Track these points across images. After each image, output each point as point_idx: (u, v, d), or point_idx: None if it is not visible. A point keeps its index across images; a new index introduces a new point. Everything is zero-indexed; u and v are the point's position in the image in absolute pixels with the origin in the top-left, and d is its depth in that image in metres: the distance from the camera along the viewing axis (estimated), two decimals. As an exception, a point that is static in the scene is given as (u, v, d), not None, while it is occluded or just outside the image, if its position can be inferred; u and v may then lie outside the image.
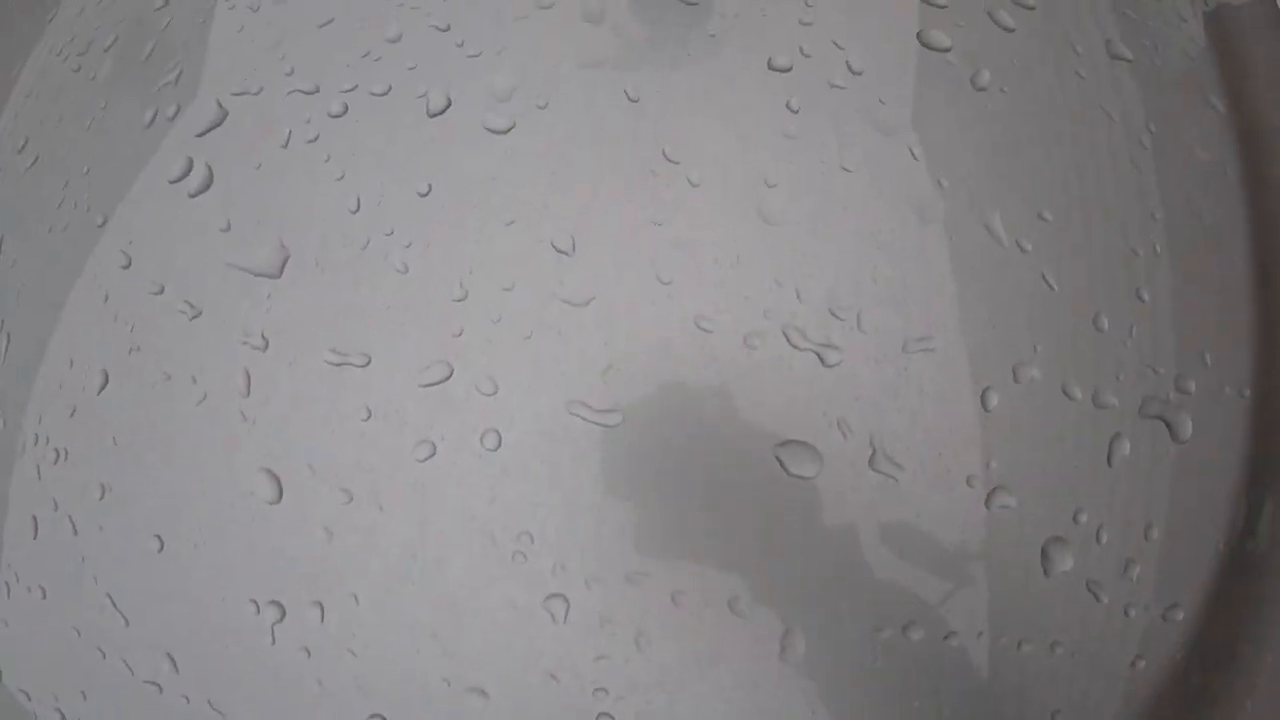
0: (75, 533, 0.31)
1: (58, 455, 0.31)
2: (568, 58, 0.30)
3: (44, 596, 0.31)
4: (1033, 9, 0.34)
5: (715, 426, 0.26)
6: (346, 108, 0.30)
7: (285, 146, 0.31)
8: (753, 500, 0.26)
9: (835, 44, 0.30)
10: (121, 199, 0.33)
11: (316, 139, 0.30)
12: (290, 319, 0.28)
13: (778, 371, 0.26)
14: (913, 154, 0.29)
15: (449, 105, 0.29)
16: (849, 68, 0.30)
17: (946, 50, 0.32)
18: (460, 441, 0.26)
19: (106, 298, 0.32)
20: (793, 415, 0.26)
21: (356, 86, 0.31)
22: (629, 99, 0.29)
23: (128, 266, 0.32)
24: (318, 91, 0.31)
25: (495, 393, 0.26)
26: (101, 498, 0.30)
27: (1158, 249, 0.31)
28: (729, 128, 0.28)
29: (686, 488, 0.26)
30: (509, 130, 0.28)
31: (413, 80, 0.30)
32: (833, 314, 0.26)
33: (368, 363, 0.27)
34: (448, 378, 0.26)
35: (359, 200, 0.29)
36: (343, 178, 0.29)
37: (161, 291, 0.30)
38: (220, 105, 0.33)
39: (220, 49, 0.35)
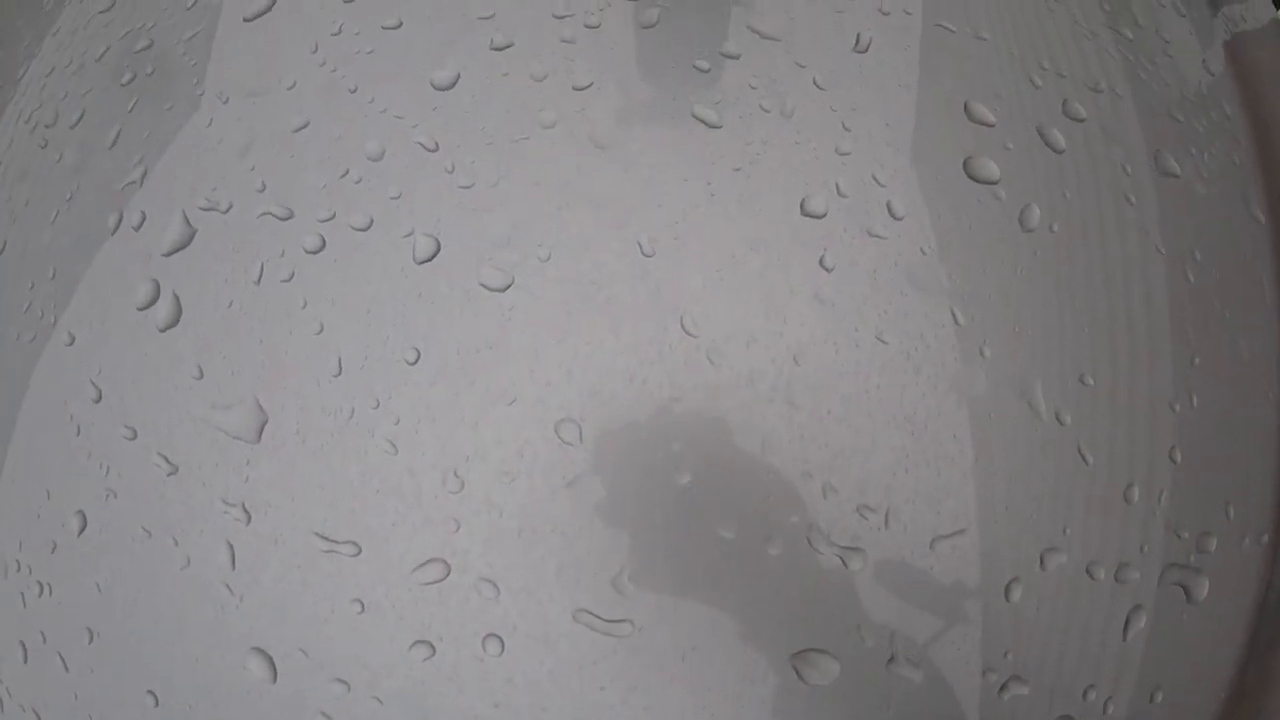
0: (66, 670, 0.26)
1: (41, 589, 0.26)
2: (574, 194, 0.23)
3: None
4: (1083, 120, 0.27)
5: (730, 634, 0.21)
6: (323, 242, 0.24)
7: (258, 283, 0.24)
8: (767, 709, 0.22)
9: (875, 180, 0.24)
10: (88, 319, 0.27)
11: (291, 278, 0.24)
12: (272, 492, 0.23)
13: (798, 576, 0.21)
14: (955, 318, 0.23)
15: (438, 251, 0.22)
16: (889, 211, 0.23)
17: (994, 183, 0.25)
18: (460, 645, 0.21)
19: (79, 430, 0.26)
20: (811, 622, 0.21)
21: (334, 215, 0.24)
22: (643, 252, 0.22)
23: (98, 401, 0.26)
24: (291, 217, 0.24)
25: (497, 597, 0.21)
26: (90, 642, 0.26)
27: (1194, 400, 0.26)
28: (756, 292, 0.22)
29: (701, 698, 0.22)
30: (507, 288, 0.22)
31: (397, 214, 0.23)
32: (860, 513, 0.21)
33: (358, 553, 0.22)
34: (445, 577, 0.21)
35: (340, 362, 0.22)
36: (321, 331, 0.23)
37: (135, 437, 0.25)
38: (187, 221, 0.26)
39: (187, 146, 0.27)
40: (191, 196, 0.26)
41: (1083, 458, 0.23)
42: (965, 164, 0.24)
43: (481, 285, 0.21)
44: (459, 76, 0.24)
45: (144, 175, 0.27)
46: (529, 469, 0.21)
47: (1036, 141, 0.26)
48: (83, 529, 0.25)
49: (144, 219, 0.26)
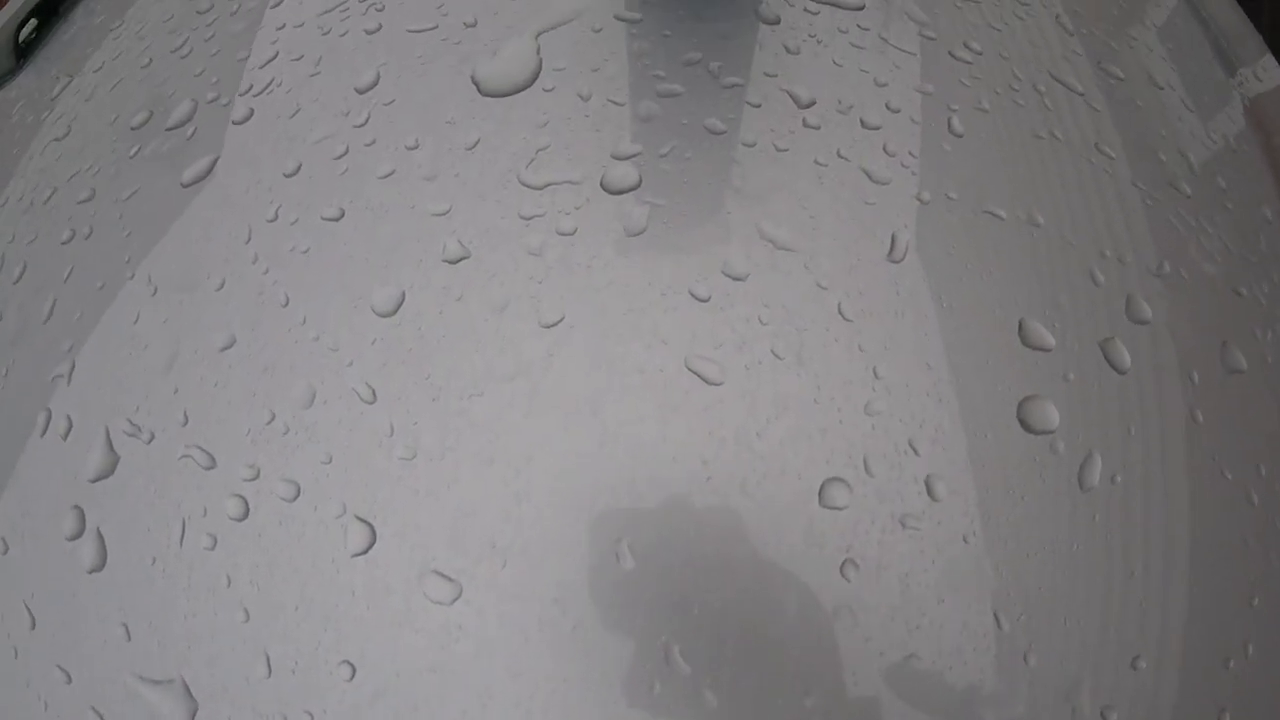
0: None
1: None
2: (535, 478, 0.14)
3: None
4: (1148, 322, 0.19)
5: None
6: (247, 511, 0.16)
7: (180, 545, 0.17)
8: None
9: (912, 448, 0.16)
10: (20, 532, 0.20)
11: (214, 547, 0.17)
12: (206, 790, 0.17)
13: None
14: (998, 622, 0.16)
15: (374, 542, 0.15)
16: (929, 491, 0.15)
17: (1052, 432, 0.17)
18: None
19: (15, 654, 0.20)
20: None
21: (259, 475, 0.16)
22: (620, 564, 0.15)
23: (33, 628, 0.19)
24: (214, 467, 0.17)
25: None
26: None
27: (1250, 650, 0.19)
28: (758, 620, 0.14)
29: None
30: (454, 601, 0.15)
31: (327, 484, 0.15)
32: None
33: None
34: None
35: (269, 662, 0.16)
36: (247, 621, 0.16)
37: (69, 682, 0.19)
38: (111, 446, 0.19)
39: (113, 345, 0.20)
40: (115, 413, 0.19)
41: None
42: (1019, 409, 0.17)
43: (425, 597, 0.15)
44: (403, 298, 0.17)
45: (71, 370, 0.20)
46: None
47: (1100, 363, 0.18)
48: None
49: (70, 427, 0.19)
